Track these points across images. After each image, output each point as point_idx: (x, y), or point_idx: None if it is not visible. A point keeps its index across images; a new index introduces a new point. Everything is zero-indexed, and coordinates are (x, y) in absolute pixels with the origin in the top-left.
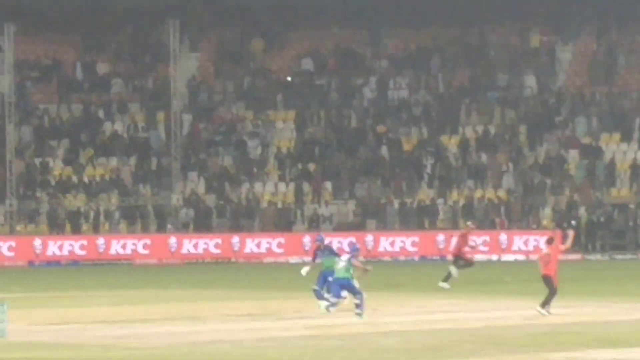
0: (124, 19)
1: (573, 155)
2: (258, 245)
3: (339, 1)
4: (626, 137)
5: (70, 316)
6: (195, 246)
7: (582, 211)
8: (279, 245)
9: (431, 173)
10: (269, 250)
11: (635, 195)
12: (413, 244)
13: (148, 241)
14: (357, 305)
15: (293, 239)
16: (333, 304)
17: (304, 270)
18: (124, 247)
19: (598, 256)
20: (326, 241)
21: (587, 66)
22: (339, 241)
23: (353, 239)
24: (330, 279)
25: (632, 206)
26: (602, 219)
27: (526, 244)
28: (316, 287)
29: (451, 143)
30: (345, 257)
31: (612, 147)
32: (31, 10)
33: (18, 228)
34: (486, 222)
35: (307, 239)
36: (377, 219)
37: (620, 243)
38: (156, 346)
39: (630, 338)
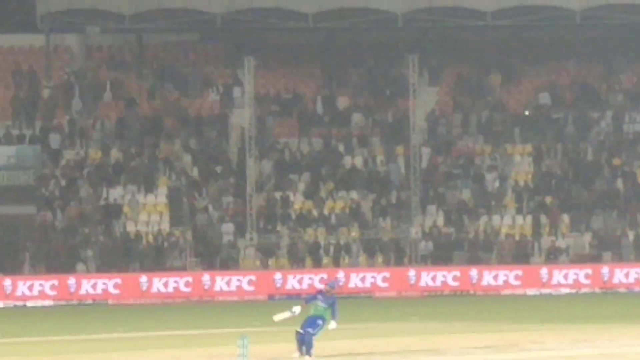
0: (364, 53)
1: None
2: (496, 278)
3: (575, 36)
4: None
5: None
6: (434, 279)
7: None
8: (517, 277)
9: None
10: (506, 282)
11: None
12: None
13: (387, 274)
14: None
15: (530, 271)
16: None
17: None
18: (363, 280)
19: None
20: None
21: None
22: (575, 273)
23: None
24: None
25: None
26: None
27: None
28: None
29: None
30: None
31: None
32: (271, 44)
33: (258, 262)
34: None
35: (544, 271)
36: (613, 251)
37: None
38: None
39: None
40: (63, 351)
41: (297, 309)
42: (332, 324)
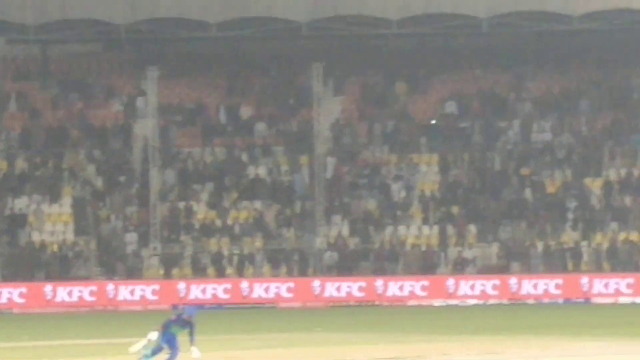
0: (268, 63)
1: None
2: (401, 289)
3: (483, 44)
4: None
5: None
6: (339, 289)
7: None
8: (423, 288)
9: (575, 215)
10: (412, 293)
11: None
12: (557, 286)
13: (291, 284)
14: None
15: (437, 281)
16: None
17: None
18: (267, 290)
19: None
20: None
21: None
22: (482, 284)
23: None
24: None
25: None
26: None
27: None
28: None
29: (595, 185)
30: None
31: None
32: (175, 53)
33: (162, 272)
34: (630, 265)
35: (451, 282)
36: (521, 262)
37: None
38: None
39: None
40: None
41: (152, 335)
42: (196, 353)
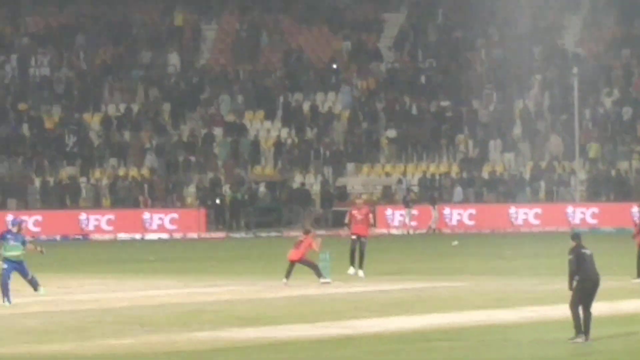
0: None
1: (217, 133)
2: None
3: None
4: (270, 115)
5: None
6: None
7: (226, 189)
8: None
9: (73, 151)
10: None
11: (278, 172)
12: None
13: None
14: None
15: None
16: None
17: None
18: None
19: (242, 234)
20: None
21: (230, 45)
22: None
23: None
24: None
25: (276, 184)
26: (246, 197)
27: (172, 223)
28: None
29: (94, 121)
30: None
31: (256, 125)
32: None
33: None
34: (130, 201)
35: None
36: (18, 198)
37: (264, 220)
38: None
39: (273, 316)
40: None
41: None
42: None
